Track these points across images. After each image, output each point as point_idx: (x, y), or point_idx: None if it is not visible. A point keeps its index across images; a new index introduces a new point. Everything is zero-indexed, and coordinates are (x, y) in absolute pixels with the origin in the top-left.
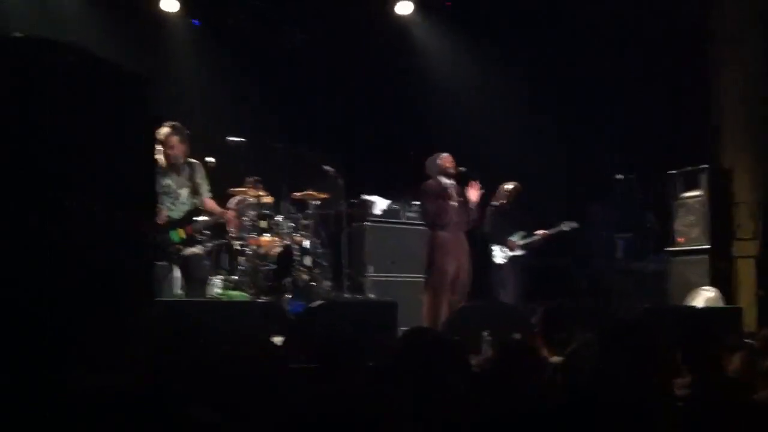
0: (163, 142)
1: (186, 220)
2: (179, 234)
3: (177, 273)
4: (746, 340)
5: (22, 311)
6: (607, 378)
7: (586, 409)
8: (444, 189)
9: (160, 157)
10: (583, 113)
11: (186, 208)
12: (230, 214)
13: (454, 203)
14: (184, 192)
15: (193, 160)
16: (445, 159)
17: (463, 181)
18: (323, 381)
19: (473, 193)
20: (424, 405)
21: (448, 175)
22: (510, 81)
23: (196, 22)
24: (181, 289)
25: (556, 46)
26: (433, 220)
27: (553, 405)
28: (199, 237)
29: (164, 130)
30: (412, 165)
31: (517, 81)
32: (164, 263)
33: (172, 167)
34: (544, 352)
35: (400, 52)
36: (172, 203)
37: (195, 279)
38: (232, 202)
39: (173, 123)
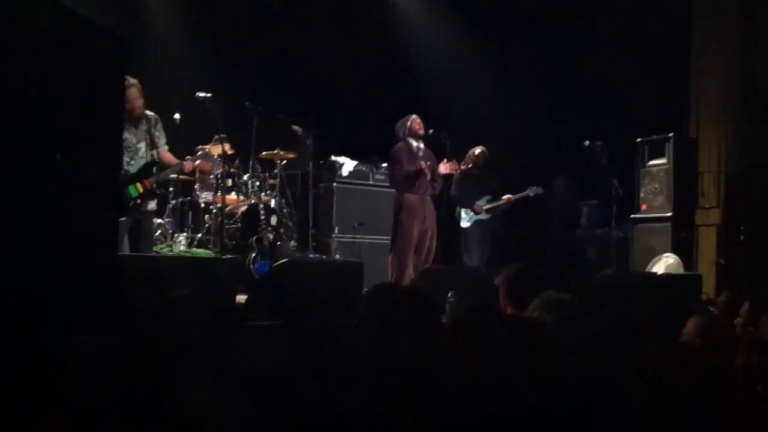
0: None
1: (143, 174)
2: (137, 188)
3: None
4: (706, 307)
5: None
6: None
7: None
8: (412, 151)
9: None
10: (554, 79)
11: (143, 161)
12: (188, 165)
13: (422, 166)
14: (142, 146)
15: (149, 113)
16: (414, 121)
17: (431, 144)
18: (286, 338)
19: (444, 167)
20: (392, 361)
21: (417, 137)
22: (481, 46)
23: None
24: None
25: (530, 13)
26: (401, 182)
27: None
28: (159, 191)
29: (128, 82)
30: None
31: (488, 46)
32: (123, 219)
33: (130, 120)
34: (509, 310)
35: (376, 14)
36: (131, 157)
37: (142, 236)
38: (197, 156)
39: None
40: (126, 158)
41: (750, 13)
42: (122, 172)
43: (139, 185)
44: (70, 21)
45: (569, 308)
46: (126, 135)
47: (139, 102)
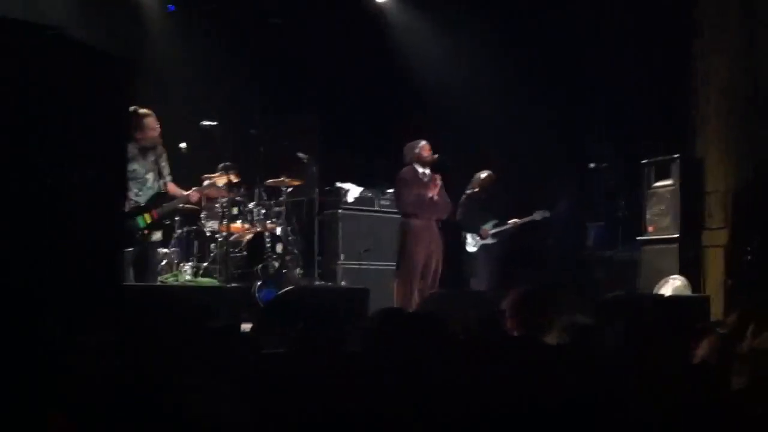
0: (139, 125)
1: (151, 205)
2: (145, 219)
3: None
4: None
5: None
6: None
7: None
8: (419, 177)
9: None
10: (558, 102)
11: (151, 192)
12: (194, 196)
13: (429, 192)
14: (150, 176)
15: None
16: (423, 148)
17: (437, 169)
18: (296, 366)
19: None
20: (402, 385)
21: (424, 163)
22: (486, 70)
23: (171, 6)
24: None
25: (535, 35)
26: (407, 208)
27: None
28: (166, 222)
29: (141, 112)
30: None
31: (493, 70)
32: (130, 249)
33: (141, 151)
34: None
35: (377, 37)
36: (139, 189)
37: (146, 266)
38: (204, 187)
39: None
40: (134, 189)
41: (751, 32)
42: (131, 202)
43: (147, 216)
44: (72, 48)
45: (589, 334)
46: (135, 166)
47: (156, 132)
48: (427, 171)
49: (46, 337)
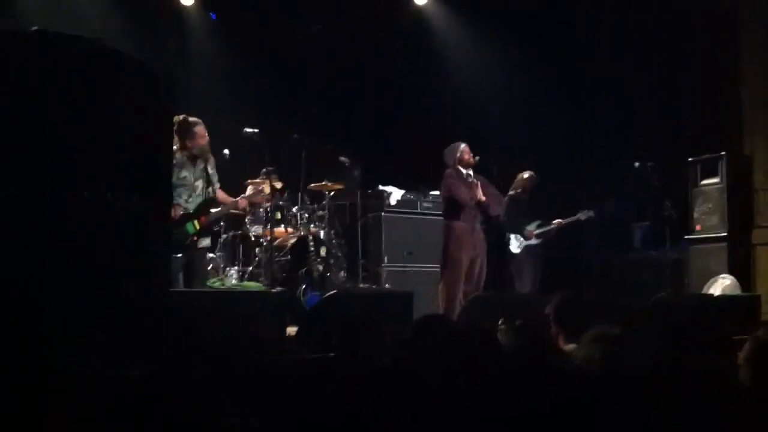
0: (189, 133)
1: (200, 212)
2: (195, 225)
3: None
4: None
5: (34, 305)
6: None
7: (598, 399)
8: (463, 179)
9: (177, 149)
10: (602, 101)
11: (200, 199)
12: (242, 203)
13: (473, 194)
14: (200, 184)
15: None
16: (464, 151)
17: (479, 170)
18: (338, 371)
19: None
20: (439, 397)
21: (467, 165)
22: (528, 69)
23: (212, 15)
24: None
25: (576, 31)
26: (463, 201)
27: (566, 393)
28: (214, 228)
29: (191, 120)
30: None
31: (536, 69)
32: (180, 255)
33: (190, 159)
34: (560, 341)
35: (417, 41)
36: (189, 195)
37: (195, 272)
38: (248, 191)
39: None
40: (184, 196)
41: None
42: (181, 209)
43: (196, 223)
44: (109, 58)
45: (617, 344)
46: (185, 173)
47: (204, 140)
48: (471, 173)
49: (46, 338)
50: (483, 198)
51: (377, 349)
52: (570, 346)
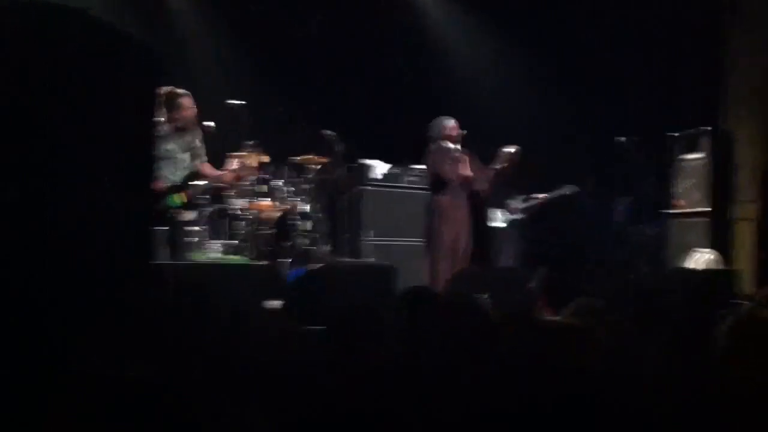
0: (175, 105)
1: (184, 185)
2: (180, 198)
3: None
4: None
5: (16, 289)
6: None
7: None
8: (448, 152)
9: (163, 121)
10: (585, 75)
11: (186, 172)
12: (228, 176)
13: (460, 169)
14: (186, 156)
15: (196, 125)
16: (448, 126)
17: (465, 145)
18: (333, 346)
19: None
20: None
21: (452, 140)
22: (511, 44)
23: None
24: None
25: (557, 9)
26: (437, 182)
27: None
28: (197, 201)
29: (177, 92)
30: (414, 130)
31: (519, 44)
32: (165, 228)
33: (176, 131)
34: (545, 314)
35: (399, 14)
36: (175, 168)
37: (179, 245)
38: (230, 164)
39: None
40: (171, 168)
41: None
42: (166, 181)
43: (182, 195)
44: (97, 30)
45: (601, 316)
46: (170, 146)
47: (191, 112)
48: (457, 146)
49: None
50: (469, 173)
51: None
52: (555, 319)
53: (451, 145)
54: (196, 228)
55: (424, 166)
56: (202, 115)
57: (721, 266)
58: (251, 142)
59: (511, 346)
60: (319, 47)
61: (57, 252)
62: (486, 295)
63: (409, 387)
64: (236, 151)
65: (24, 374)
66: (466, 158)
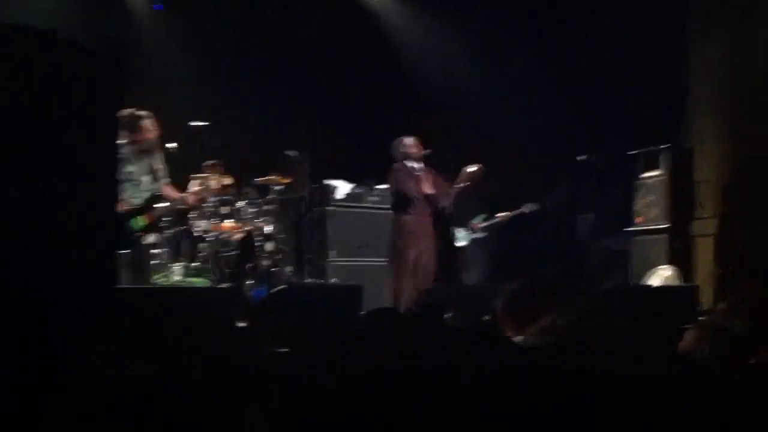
0: (136, 127)
1: (147, 207)
2: (141, 221)
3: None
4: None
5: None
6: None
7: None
8: (411, 173)
9: (124, 143)
10: (548, 92)
11: (147, 194)
12: (190, 199)
13: (422, 187)
14: (146, 179)
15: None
16: (409, 146)
17: (428, 163)
18: (295, 367)
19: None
20: (395, 385)
21: (414, 158)
22: (473, 60)
23: (158, 5)
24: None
25: (522, 22)
26: (399, 201)
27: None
28: (159, 224)
29: (139, 114)
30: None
31: (480, 60)
32: (126, 251)
33: (137, 153)
34: (509, 332)
35: (366, 31)
36: (135, 190)
37: (140, 268)
38: (193, 185)
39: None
40: (130, 191)
41: (745, 24)
42: (126, 204)
43: (142, 218)
44: (62, 48)
45: (562, 335)
46: (131, 168)
47: (153, 134)
48: (420, 165)
49: (41, 340)
50: (430, 191)
51: (330, 343)
52: (518, 338)
53: (413, 164)
54: (158, 251)
55: (387, 186)
56: (165, 136)
57: (679, 282)
58: (212, 161)
59: (472, 364)
60: (286, 64)
61: (19, 272)
62: (449, 315)
63: (372, 405)
64: (199, 173)
65: None
66: (430, 176)
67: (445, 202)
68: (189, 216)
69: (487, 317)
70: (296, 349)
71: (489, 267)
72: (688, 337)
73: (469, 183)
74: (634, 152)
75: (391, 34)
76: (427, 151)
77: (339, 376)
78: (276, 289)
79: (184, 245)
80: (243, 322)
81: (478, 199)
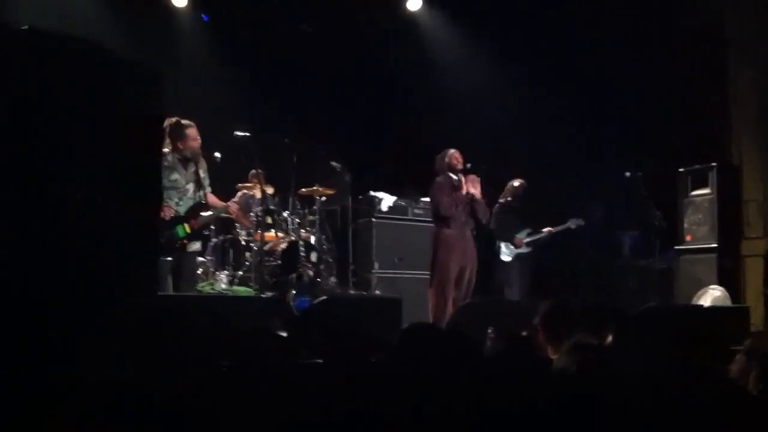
0: (181, 135)
1: (191, 215)
2: (185, 229)
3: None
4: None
5: (25, 306)
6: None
7: (584, 407)
8: (452, 185)
9: (168, 152)
10: (593, 110)
11: (191, 202)
12: (233, 207)
13: (462, 199)
14: (191, 187)
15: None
16: (452, 156)
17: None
18: (326, 376)
19: (472, 187)
20: (425, 402)
21: (455, 171)
22: (520, 77)
23: (204, 16)
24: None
25: (567, 41)
26: (444, 212)
27: (551, 402)
28: (204, 232)
29: (183, 123)
30: (422, 162)
31: (527, 77)
32: (169, 258)
33: (181, 161)
34: (547, 349)
35: (409, 47)
36: (180, 198)
37: (184, 276)
38: (238, 196)
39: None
40: (175, 199)
41: None
42: (172, 212)
43: (186, 226)
44: (101, 57)
45: (594, 353)
46: (176, 176)
47: (196, 142)
48: (462, 178)
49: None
50: (472, 191)
51: (364, 355)
52: (556, 356)
53: (454, 177)
54: (202, 258)
55: (429, 199)
56: (211, 146)
57: (727, 303)
58: (256, 171)
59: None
60: (327, 81)
61: (64, 277)
62: (491, 329)
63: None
64: (242, 182)
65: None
66: (476, 178)
67: (483, 217)
68: (235, 225)
69: (524, 333)
70: (329, 360)
71: (532, 283)
72: (739, 362)
73: (512, 197)
74: (682, 170)
75: (432, 49)
76: (468, 165)
77: (368, 389)
78: (317, 301)
79: (229, 254)
80: (284, 331)
81: (522, 214)
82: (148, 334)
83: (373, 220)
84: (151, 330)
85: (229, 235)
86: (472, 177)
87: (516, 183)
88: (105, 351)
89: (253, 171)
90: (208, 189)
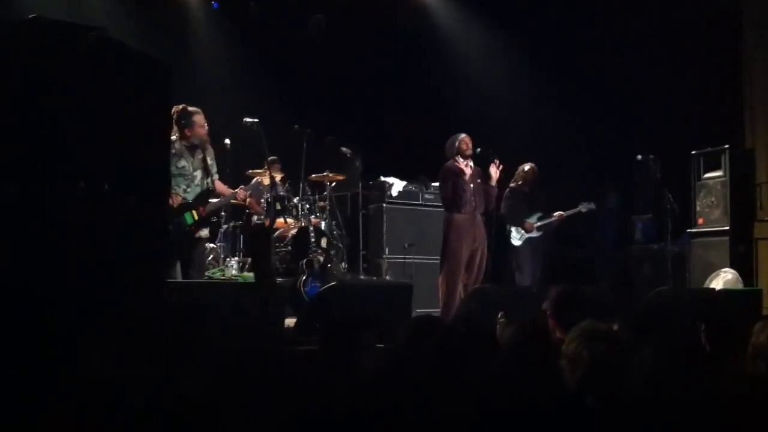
0: (188, 122)
1: (199, 202)
2: (193, 216)
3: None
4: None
5: (34, 297)
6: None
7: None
8: (461, 171)
9: (176, 139)
10: (604, 93)
11: (199, 189)
12: (241, 194)
13: (471, 184)
14: (198, 174)
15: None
16: (462, 141)
17: (480, 162)
18: (325, 364)
19: (493, 171)
20: (425, 402)
21: (465, 156)
22: (531, 62)
23: (215, 4)
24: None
25: (580, 26)
26: (451, 199)
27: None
28: (213, 218)
29: (190, 110)
30: (431, 147)
31: (538, 61)
32: (179, 244)
33: (189, 149)
34: (557, 335)
35: (420, 34)
36: (188, 185)
37: (194, 263)
38: (252, 183)
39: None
40: (183, 186)
41: None
42: (180, 199)
43: (194, 213)
44: (112, 49)
45: (606, 341)
46: (183, 163)
47: (204, 129)
48: (471, 164)
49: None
50: (494, 174)
51: (368, 342)
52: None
53: (463, 161)
54: (212, 245)
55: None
56: (219, 132)
57: (740, 286)
58: (269, 158)
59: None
60: (337, 65)
61: (76, 276)
62: (501, 314)
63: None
64: (252, 169)
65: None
66: (480, 172)
67: (488, 208)
68: (245, 211)
69: (535, 318)
70: (324, 349)
71: (543, 268)
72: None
73: (522, 181)
74: (694, 153)
75: (443, 34)
76: (478, 149)
77: (362, 379)
78: (326, 286)
79: (239, 240)
80: (293, 317)
81: (532, 198)
82: (153, 334)
83: (384, 205)
84: (155, 329)
85: (240, 222)
86: (495, 162)
87: (527, 167)
88: (105, 351)
89: (272, 157)
90: (216, 176)
